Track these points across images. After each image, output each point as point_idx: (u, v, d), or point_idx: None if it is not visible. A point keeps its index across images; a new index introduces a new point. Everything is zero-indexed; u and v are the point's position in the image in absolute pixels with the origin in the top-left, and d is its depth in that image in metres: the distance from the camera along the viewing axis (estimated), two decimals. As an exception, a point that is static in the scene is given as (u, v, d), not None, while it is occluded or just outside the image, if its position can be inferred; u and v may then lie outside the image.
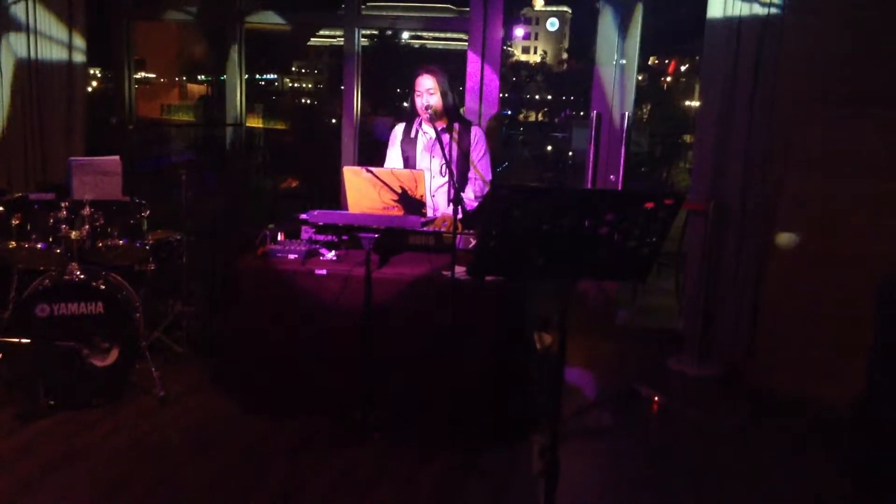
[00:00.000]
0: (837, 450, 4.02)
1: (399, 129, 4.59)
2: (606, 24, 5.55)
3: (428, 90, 4.28)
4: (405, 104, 4.76)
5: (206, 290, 5.18)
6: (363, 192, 3.88)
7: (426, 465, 3.59)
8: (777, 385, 4.67)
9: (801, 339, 4.65)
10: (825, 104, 4.56)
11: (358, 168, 3.87)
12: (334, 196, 6.16)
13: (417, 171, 4.00)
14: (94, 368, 4.02)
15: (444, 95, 4.32)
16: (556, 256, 2.39)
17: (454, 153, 4.36)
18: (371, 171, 3.85)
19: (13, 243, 4.05)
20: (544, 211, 2.33)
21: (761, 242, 4.85)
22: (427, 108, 4.21)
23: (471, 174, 4.46)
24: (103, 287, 4.04)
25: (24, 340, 3.85)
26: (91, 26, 5.84)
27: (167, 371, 4.39)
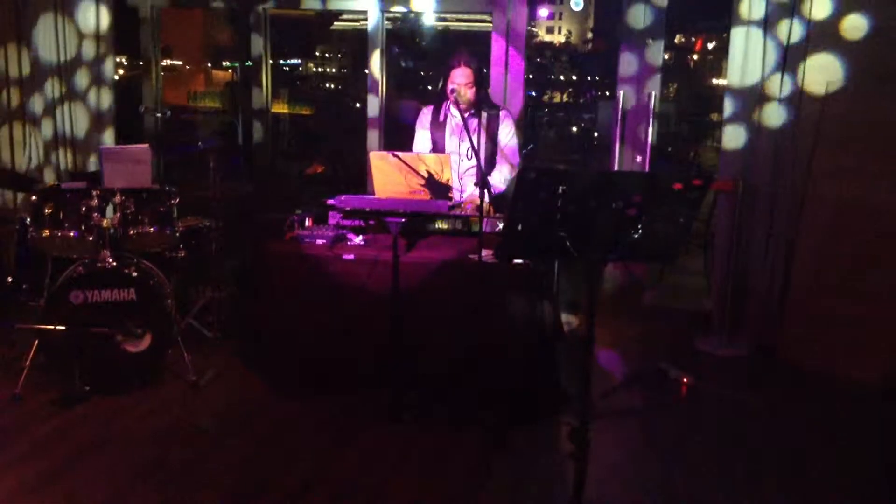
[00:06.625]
0: (870, 427, 4.00)
1: (427, 111, 4.58)
2: (632, 2, 5.50)
3: (465, 84, 4.26)
4: (429, 87, 4.75)
5: (235, 276, 5.23)
6: (390, 176, 3.89)
7: (455, 444, 3.63)
8: (808, 363, 4.65)
9: (833, 317, 4.62)
10: (857, 79, 4.50)
11: (384, 153, 3.88)
12: (360, 180, 6.17)
13: (444, 155, 4.00)
14: (127, 354, 4.08)
15: (478, 87, 4.31)
16: (583, 239, 2.39)
17: (481, 137, 4.35)
18: (397, 156, 3.86)
19: (47, 232, 4.11)
20: (572, 193, 2.33)
21: (792, 220, 4.80)
22: (456, 91, 4.20)
23: (498, 158, 4.45)
24: (135, 274, 4.10)
25: (59, 327, 3.93)
26: (117, 13, 5.89)
27: (199, 356, 4.45)
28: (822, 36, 4.59)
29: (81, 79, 5.79)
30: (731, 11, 4.88)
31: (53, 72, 5.69)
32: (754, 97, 4.83)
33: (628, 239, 2.39)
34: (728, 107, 4.95)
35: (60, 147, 5.76)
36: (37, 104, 5.71)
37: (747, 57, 4.80)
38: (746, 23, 4.78)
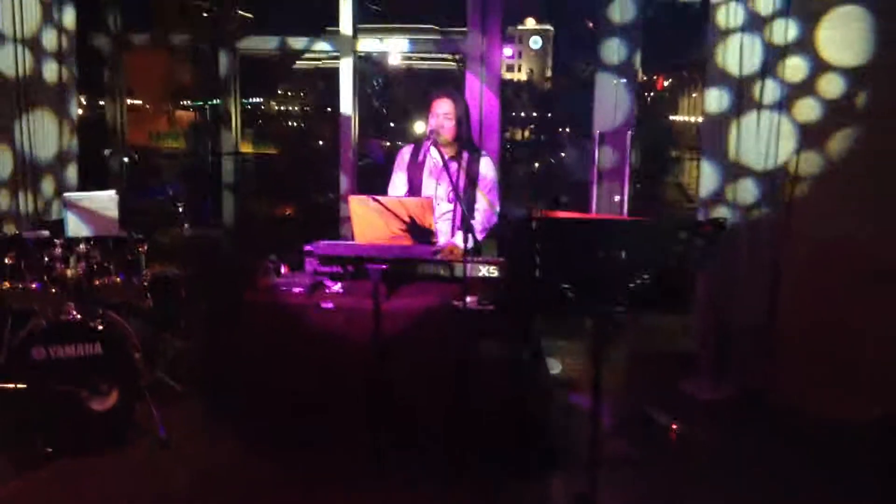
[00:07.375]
0: (867, 470, 3.92)
1: (406, 151, 4.49)
2: (608, 46, 5.48)
3: (446, 114, 4.23)
4: (391, 124, 4.72)
5: (206, 326, 5.03)
6: (370, 221, 3.76)
7: (443, 501, 3.49)
8: (799, 405, 4.53)
9: (823, 357, 4.53)
10: (835, 113, 4.48)
11: (365, 197, 3.76)
12: (332, 223, 6.03)
13: (426, 199, 3.90)
14: (93, 412, 3.86)
15: (458, 123, 4.26)
16: (589, 289, 2.28)
17: (461, 181, 4.28)
18: (378, 201, 3.74)
19: (7, 284, 3.91)
20: (575, 243, 2.22)
21: (775, 257, 4.73)
22: (436, 132, 4.11)
23: (477, 203, 4.36)
24: (101, 327, 3.91)
25: (19, 386, 3.70)
26: (79, 50, 5.69)
27: (168, 411, 4.23)
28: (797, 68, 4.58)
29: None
30: (694, 49, 4.86)
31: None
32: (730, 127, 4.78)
33: (635, 288, 2.28)
34: (704, 141, 4.90)
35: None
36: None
37: (722, 94, 4.77)
38: (724, 60, 4.75)
